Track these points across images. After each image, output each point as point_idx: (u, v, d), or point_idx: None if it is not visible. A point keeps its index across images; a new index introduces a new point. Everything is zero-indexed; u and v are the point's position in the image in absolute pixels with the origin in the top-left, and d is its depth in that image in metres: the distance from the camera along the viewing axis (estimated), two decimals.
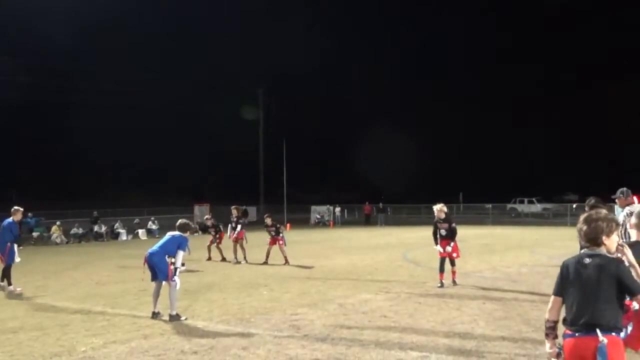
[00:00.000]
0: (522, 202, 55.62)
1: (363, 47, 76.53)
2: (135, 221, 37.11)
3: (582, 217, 4.23)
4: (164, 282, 9.95)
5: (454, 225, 12.97)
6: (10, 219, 13.83)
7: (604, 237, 4.05)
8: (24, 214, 33.70)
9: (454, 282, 12.91)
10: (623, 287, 3.90)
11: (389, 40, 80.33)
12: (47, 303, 11.73)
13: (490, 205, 49.14)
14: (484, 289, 12.40)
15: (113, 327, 9.34)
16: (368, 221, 47.68)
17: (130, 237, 34.92)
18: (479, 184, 63.31)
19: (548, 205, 53.98)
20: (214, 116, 63.71)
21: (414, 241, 26.91)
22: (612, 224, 4.10)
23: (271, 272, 16.37)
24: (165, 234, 10.68)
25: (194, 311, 10.52)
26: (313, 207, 51.38)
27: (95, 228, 34.55)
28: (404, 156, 71.35)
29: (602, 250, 4.05)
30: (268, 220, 19.03)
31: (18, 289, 13.44)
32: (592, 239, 4.07)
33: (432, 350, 7.44)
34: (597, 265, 3.97)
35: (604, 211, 4.29)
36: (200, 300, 11.72)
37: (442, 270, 12.87)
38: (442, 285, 12.63)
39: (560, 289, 4.13)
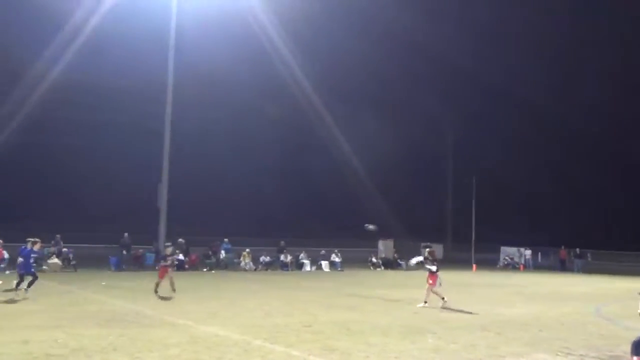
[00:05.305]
0: None
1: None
2: (321, 252, 37.68)
3: None
4: None
5: None
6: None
7: None
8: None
9: None
10: None
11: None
12: (211, 331, 11.91)
13: None
14: None
15: None
16: (563, 267, 44.11)
17: (314, 268, 35.46)
18: None
19: None
20: (402, 151, 63.52)
21: (613, 293, 24.25)
22: None
23: (443, 316, 15.43)
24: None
25: (349, 355, 10.02)
26: (502, 248, 48.69)
27: (281, 257, 35.63)
28: (607, 197, 65.62)
29: None
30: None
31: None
32: None
33: None
34: None
35: None
36: (360, 343, 11.20)
37: None
38: None
39: None
